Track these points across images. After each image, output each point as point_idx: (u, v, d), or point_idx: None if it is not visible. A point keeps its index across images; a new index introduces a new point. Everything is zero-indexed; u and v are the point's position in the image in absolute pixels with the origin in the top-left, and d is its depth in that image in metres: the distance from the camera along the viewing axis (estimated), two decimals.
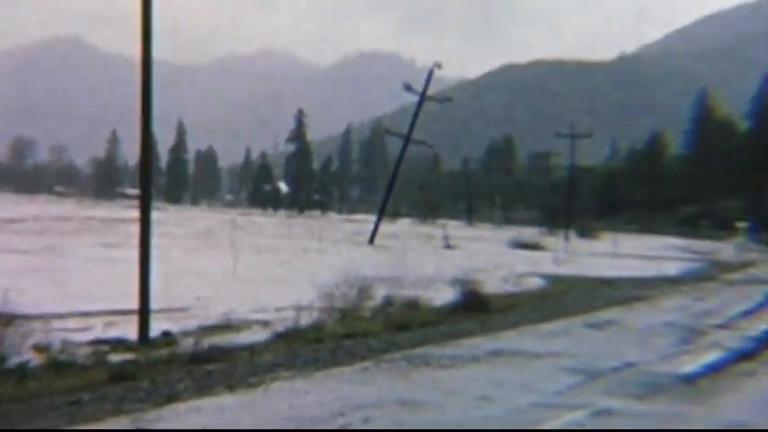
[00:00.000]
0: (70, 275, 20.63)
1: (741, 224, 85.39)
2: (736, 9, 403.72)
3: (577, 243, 65.26)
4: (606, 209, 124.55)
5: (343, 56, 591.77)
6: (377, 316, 15.25)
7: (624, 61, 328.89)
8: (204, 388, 9.46)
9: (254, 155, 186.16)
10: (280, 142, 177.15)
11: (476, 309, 17.44)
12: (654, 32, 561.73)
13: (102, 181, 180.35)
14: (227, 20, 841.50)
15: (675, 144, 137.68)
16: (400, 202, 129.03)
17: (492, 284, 21.98)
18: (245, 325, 14.29)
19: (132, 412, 8.32)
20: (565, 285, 25.94)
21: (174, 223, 54.60)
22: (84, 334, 12.08)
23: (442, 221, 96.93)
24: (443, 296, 18.50)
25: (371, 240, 49.91)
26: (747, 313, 20.58)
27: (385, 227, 56.55)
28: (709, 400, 9.94)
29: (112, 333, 12.36)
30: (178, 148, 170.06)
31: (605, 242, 70.96)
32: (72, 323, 13.09)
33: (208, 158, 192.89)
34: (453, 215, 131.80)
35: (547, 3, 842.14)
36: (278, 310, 15.57)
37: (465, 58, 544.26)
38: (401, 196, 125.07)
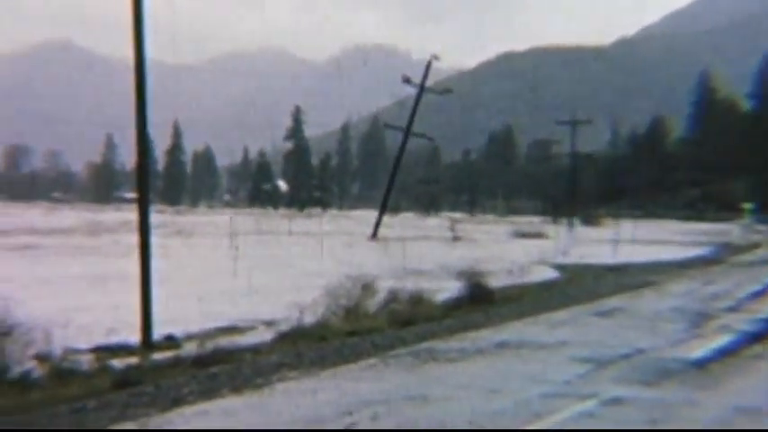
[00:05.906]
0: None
1: (746, 205, 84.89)
2: None
3: (582, 231, 65.14)
4: (609, 195, 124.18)
5: (339, 51, 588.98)
6: (381, 312, 15.12)
7: (624, 45, 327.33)
8: (209, 391, 9.34)
9: (253, 153, 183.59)
10: (278, 140, 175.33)
11: (481, 301, 17.31)
12: (653, 15, 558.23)
13: (100, 186, 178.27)
14: (222, 18, 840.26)
15: (677, 127, 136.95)
16: (401, 195, 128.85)
17: (497, 275, 21.83)
18: (250, 326, 14.15)
19: (137, 418, 8.20)
20: (570, 274, 25.78)
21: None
22: (86, 341, 11.89)
23: (444, 214, 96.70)
24: (449, 289, 18.36)
25: (374, 235, 49.78)
26: (757, 295, 20.47)
27: (388, 221, 56.37)
28: (721, 386, 9.82)
29: (114, 339, 12.20)
30: (174, 149, 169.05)
31: (609, 229, 70.77)
32: (74, 330, 12.91)
33: (205, 159, 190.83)
34: (455, 207, 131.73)
35: None
36: (283, 309, 15.42)
37: (462, 49, 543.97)
38: (402, 190, 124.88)
